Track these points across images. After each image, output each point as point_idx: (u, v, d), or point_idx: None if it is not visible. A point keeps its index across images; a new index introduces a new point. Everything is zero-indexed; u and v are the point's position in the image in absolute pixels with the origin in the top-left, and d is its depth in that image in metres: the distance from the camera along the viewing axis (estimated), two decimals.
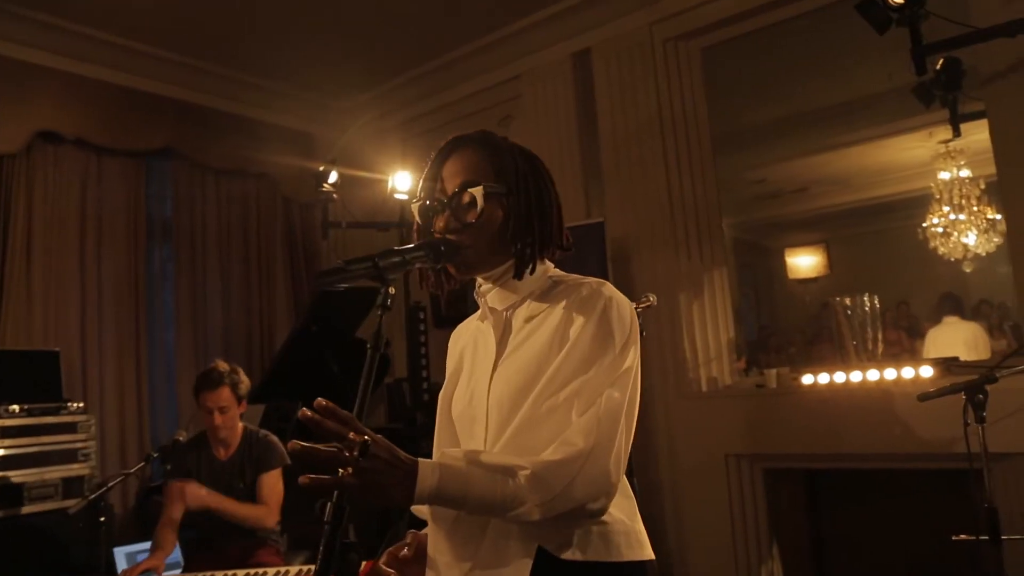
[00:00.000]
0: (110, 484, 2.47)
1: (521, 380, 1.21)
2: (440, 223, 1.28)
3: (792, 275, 10.30)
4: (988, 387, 2.04)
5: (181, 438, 2.81)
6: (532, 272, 1.28)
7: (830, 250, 10.19)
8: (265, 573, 2.52)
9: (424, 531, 1.37)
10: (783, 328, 9.64)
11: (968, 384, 2.07)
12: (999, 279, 7.63)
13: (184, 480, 2.84)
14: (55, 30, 4.36)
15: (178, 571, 2.84)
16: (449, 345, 1.49)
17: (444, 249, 1.23)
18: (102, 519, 2.44)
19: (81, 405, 3.96)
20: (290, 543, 3.27)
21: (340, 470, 0.99)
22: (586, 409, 1.14)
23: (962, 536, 2.15)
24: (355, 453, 0.98)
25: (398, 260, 1.16)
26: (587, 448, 1.11)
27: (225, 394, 2.99)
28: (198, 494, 2.83)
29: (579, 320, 1.21)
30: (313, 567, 2.55)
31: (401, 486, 1.04)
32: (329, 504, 1.00)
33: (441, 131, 5.08)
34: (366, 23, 4.63)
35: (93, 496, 2.39)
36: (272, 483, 3.02)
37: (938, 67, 3.63)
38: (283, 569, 2.56)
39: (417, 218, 1.33)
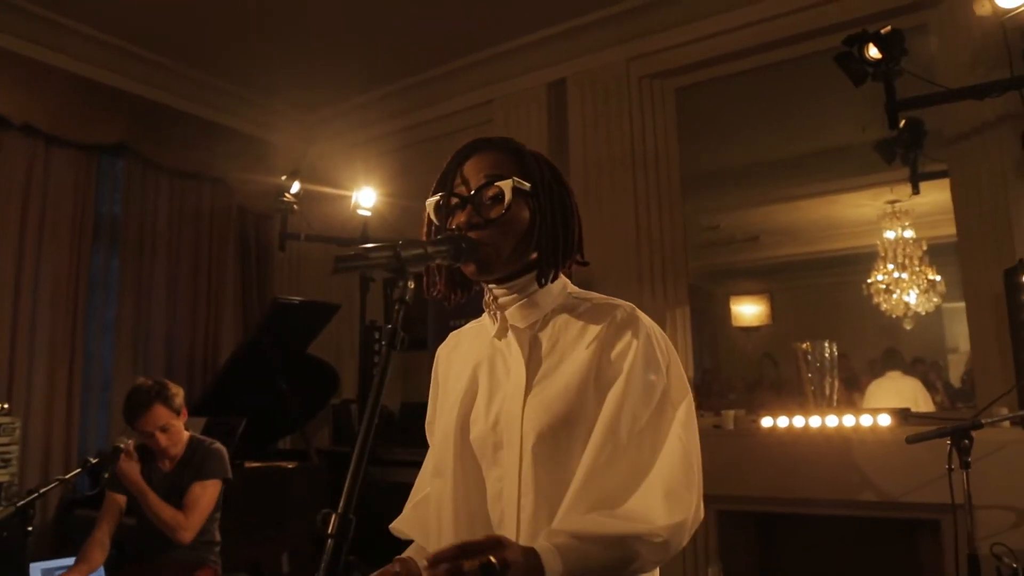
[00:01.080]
0: (42, 490, 2.26)
1: (562, 407, 1.15)
2: (461, 218, 1.20)
3: (736, 323, 10.47)
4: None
5: (122, 445, 2.62)
6: (555, 279, 1.23)
7: (774, 300, 10.41)
8: None
9: (407, 554, 1.27)
10: (725, 374, 9.77)
11: (955, 428, 2.07)
12: (933, 338, 7.91)
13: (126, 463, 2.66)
14: (9, 9, 4.16)
15: None
16: (442, 359, 1.39)
17: (465, 246, 1.14)
18: (29, 528, 2.23)
19: (5, 406, 3.71)
20: (225, 566, 3.06)
21: None
22: (659, 448, 1.13)
23: None
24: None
25: (420, 252, 1.07)
26: (695, 499, 1.11)
27: (161, 412, 2.76)
28: (131, 474, 2.66)
29: (621, 348, 1.17)
30: None
31: None
32: (333, 515, 0.89)
33: (410, 151, 5.02)
34: (340, 37, 4.56)
35: (23, 502, 2.17)
36: (199, 492, 2.76)
37: (901, 126, 3.72)
38: None
39: (432, 216, 1.24)
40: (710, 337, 10.66)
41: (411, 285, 1.04)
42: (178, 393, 2.86)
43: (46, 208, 4.41)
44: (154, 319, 4.90)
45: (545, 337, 1.23)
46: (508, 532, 1.14)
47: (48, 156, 4.43)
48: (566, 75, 4.58)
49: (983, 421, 2.11)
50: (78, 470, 2.47)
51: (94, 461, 2.55)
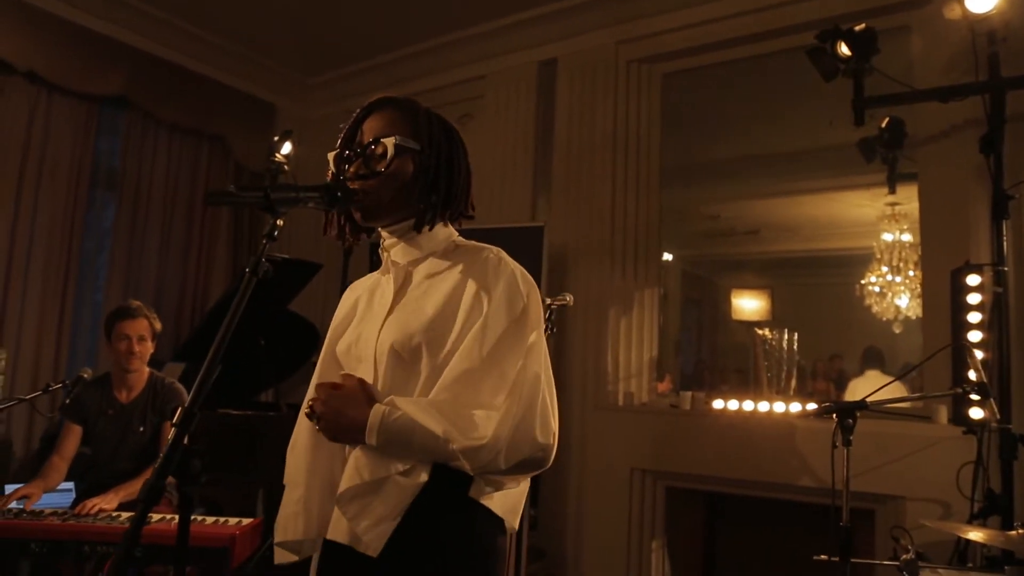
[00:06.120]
0: (2, 406, 2.44)
1: (417, 326, 1.27)
2: (352, 171, 1.34)
3: (736, 316, 10.50)
4: (863, 420, 2.15)
5: (86, 375, 2.78)
6: (431, 228, 1.36)
7: (774, 296, 10.42)
8: (150, 518, 2.49)
9: None
10: (720, 366, 9.82)
11: (841, 407, 2.18)
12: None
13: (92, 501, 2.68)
14: None
15: (63, 506, 2.77)
16: (343, 297, 1.53)
17: (340, 194, 1.27)
18: None
19: None
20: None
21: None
22: (501, 381, 1.22)
23: (822, 557, 2.25)
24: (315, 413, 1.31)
25: (291, 196, 1.20)
26: (510, 426, 1.18)
27: (144, 324, 3.06)
28: (111, 502, 2.69)
29: (486, 281, 1.27)
30: (205, 518, 2.54)
31: (352, 433, 1.26)
32: (180, 408, 1.03)
33: None
34: (344, 1, 4.66)
35: None
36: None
37: (883, 125, 3.77)
38: (169, 516, 2.54)
39: (332, 166, 1.39)
40: (709, 328, 10.72)
41: (279, 223, 1.17)
42: (159, 324, 3.16)
43: (46, 154, 4.55)
44: (144, 270, 5.06)
45: (419, 273, 1.37)
46: None
47: (50, 103, 4.57)
48: (557, 55, 4.66)
49: (867, 401, 2.21)
50: (38, 392, 2.64)
51: (56, 386, 2.71)
